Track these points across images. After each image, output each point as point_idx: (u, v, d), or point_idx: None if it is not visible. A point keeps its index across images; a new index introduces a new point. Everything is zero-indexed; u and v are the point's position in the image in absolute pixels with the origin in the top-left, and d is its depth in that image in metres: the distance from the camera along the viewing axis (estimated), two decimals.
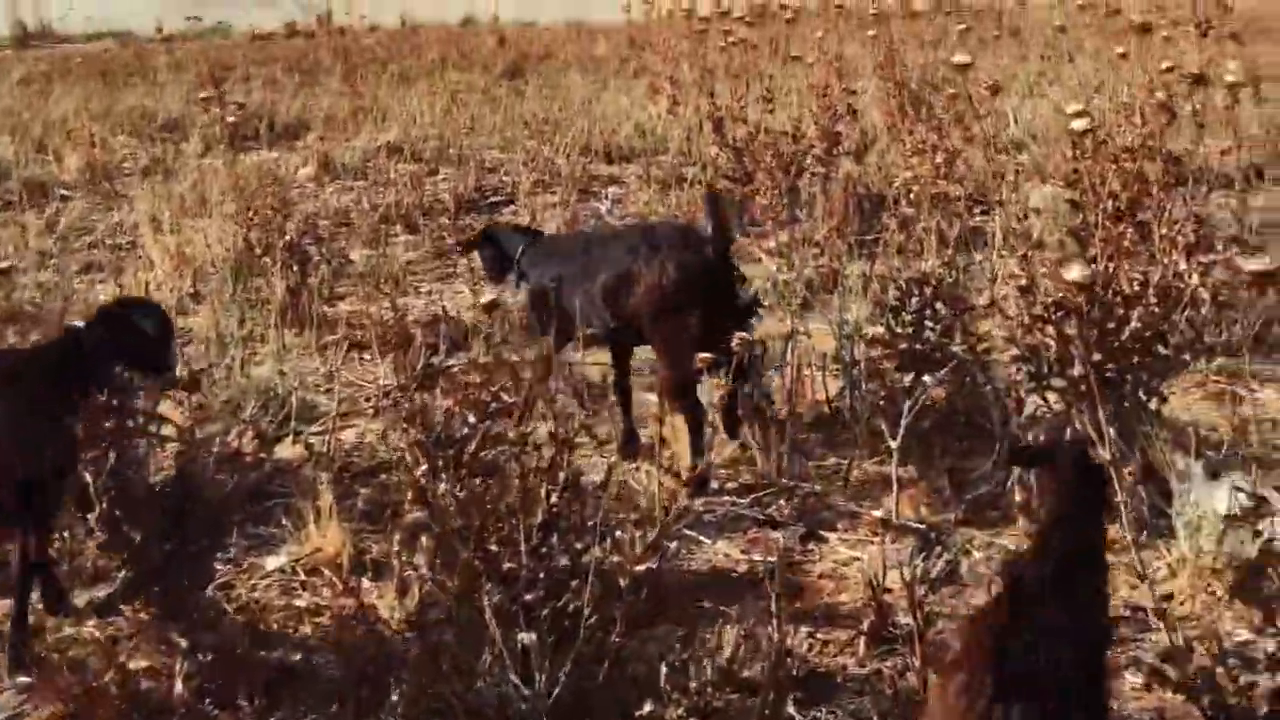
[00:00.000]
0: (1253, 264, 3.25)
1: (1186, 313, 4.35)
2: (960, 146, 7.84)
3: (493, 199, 9.55)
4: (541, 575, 3.04)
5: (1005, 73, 14.85)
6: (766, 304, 6.66)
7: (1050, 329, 4.12)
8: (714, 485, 4.55)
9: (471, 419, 3.69)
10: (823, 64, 10.02)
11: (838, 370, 5.21)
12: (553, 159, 10.38)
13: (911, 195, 7.66)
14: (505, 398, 3.76)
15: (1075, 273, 3.72)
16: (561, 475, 3.14)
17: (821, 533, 4.21)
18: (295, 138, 12.33)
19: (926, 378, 4.56)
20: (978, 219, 7.84)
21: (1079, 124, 3.88)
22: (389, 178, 9.96)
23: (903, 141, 7.87)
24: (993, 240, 7.19)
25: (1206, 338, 4.22)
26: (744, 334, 4.98)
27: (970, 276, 6.37)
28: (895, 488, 4.25)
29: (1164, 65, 5.46)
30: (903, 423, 4.28)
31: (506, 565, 3.05)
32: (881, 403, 4.61)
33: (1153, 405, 4.20)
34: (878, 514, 4.17)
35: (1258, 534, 3.59)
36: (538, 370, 4.85)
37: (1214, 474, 4.07)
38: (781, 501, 4.41)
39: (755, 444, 4.66)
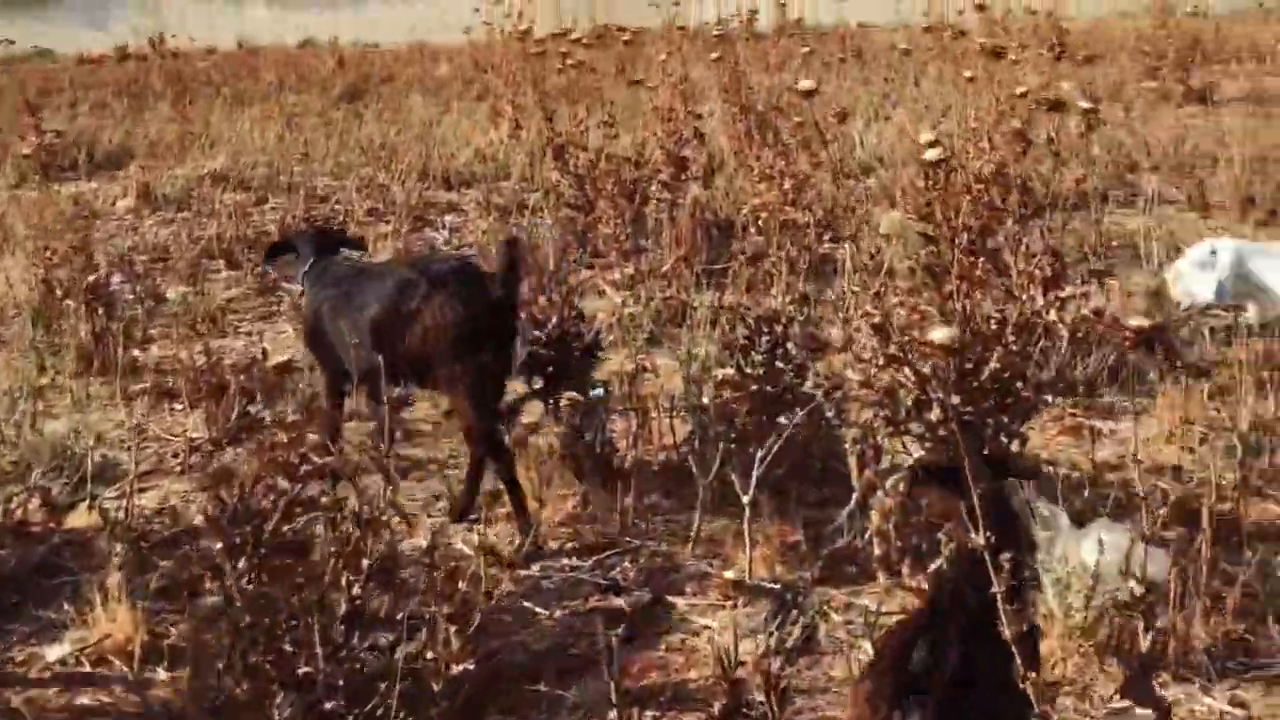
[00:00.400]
0: (1135, 321, 3.00)
1: (1044, 348, 4.16)
2: (809, 172, 7.62)
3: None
4: (342, 681, 2.64)
5: (850, 95, 14.83)
6: (611, 339, 6.40)
7: (907, 370, 3.85)
8: (552, 546, 4.19)
9: (280, 483, 3.29)
10: (667, 86, 9.75)
11: (686, 413, 4.88)
12: (388, 186, 9.94)
13: (760, 222, 7.41)
14: (317, 459, 3.37)
15: (940, 335, 3.43)
16: (365, 562, 2.74)
17: (669, 598, 3.86)
18: (117, 167, 11.67)
19: (781, 419, 4.28)
20: (828, 246, 7.61)
21: (932, 154, 3.62)
22: (213, 208, 9.41)
23: (750, 167, 7.61)
24: (843, 269, 6.97)
25: (1066, 375, 3.99)
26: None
27: (822, 312, 6.13)
28: (748, 545, 3.93)
29: (1019, 90, 5.27)
30: (755, 473, 3.98)
31: (303, 669, 2.65)
32: (733, 449, 4.31)
33: (1014, 447, 3.95)
34: (730, 575, 3.85)
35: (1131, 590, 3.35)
36: (323, 426, 4.47)
37: (1080, 523, 3.85)
38: (626, 563, 4.05)
39: (596, 498, 4.31)
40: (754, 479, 3.93)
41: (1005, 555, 2.61)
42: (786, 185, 7.40)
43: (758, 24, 21.90)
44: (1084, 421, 4.91)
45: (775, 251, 7.28)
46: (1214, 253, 4.68)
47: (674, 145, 8.60)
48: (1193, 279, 4.73)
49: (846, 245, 7.12)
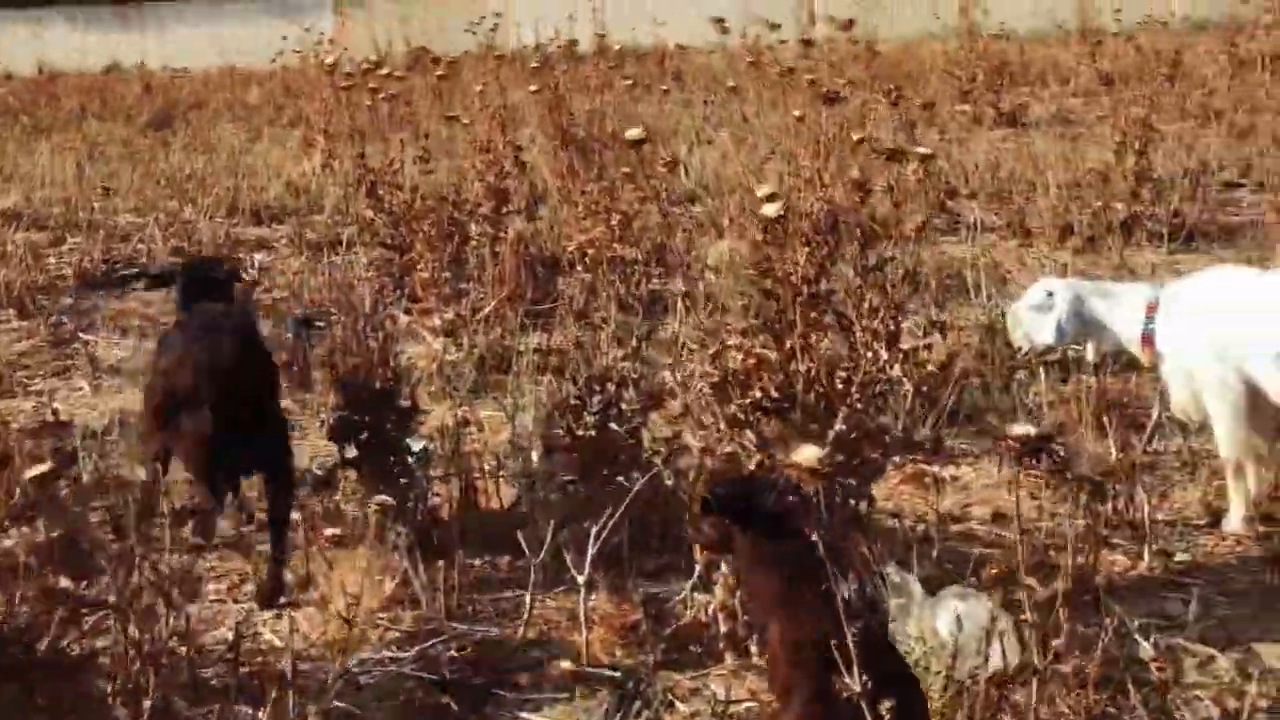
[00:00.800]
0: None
1: (887, 402, 3.99)
2: (636, 206, 7.40)
3: (124, 272, 8.52)
4: None
5: (670, 118, 14.74)
6: (431, 389, 6.07)
7: (749, 433, 3.63)
8: (370, 636, 3.84)
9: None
10: (485, 117, 9.45)
11: (514, 477, 4.59)
12: (194, 221, 9.44)
13: (587, 260, 7.17)
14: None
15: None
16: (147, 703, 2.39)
17: (500, 691, 3.55)
18: None
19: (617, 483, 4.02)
20: (657, 283, 7.41)
21: (770, 209, 3.40)
22: (3, 250, 8.79)
23: (575, 203, 7.36)
24: (674, 307, 6.76)
25: (912, 431, 3.82)
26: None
27: (657, 353, 5.91)
28: (584, 628, 3.65)
29: (856, 137, 5.12)
30: (591, 548, 3.70)
31: None
32: (565, 519, 4.03)
33: (862, 509, 3.77)
34: (566, 664, 3.57)
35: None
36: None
37: (932, 590, 3.66)
38: (452, 652, 3.73)
39: (418, 577, 3.98)
40: (589, 556, 3.66)
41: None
42: (614, 221, 7.18)
43: (577, 47, 21.77)
44: (925, 468, 4.75)
45: (604, 289, 7.09)
46: (1050, 295, 4.57)
47: (494, 178, 8.30)
48: (1031, 322, 4.62)
49: (678, 282, 6.94)
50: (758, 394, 3.61)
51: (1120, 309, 4.49)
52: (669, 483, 3.77)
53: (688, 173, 11.11)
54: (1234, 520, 4.29)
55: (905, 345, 3.77)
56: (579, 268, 7.25)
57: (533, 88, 10.06)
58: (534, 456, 4.39)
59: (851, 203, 3.61)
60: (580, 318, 6.89)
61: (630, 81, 13.03)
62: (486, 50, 19.26)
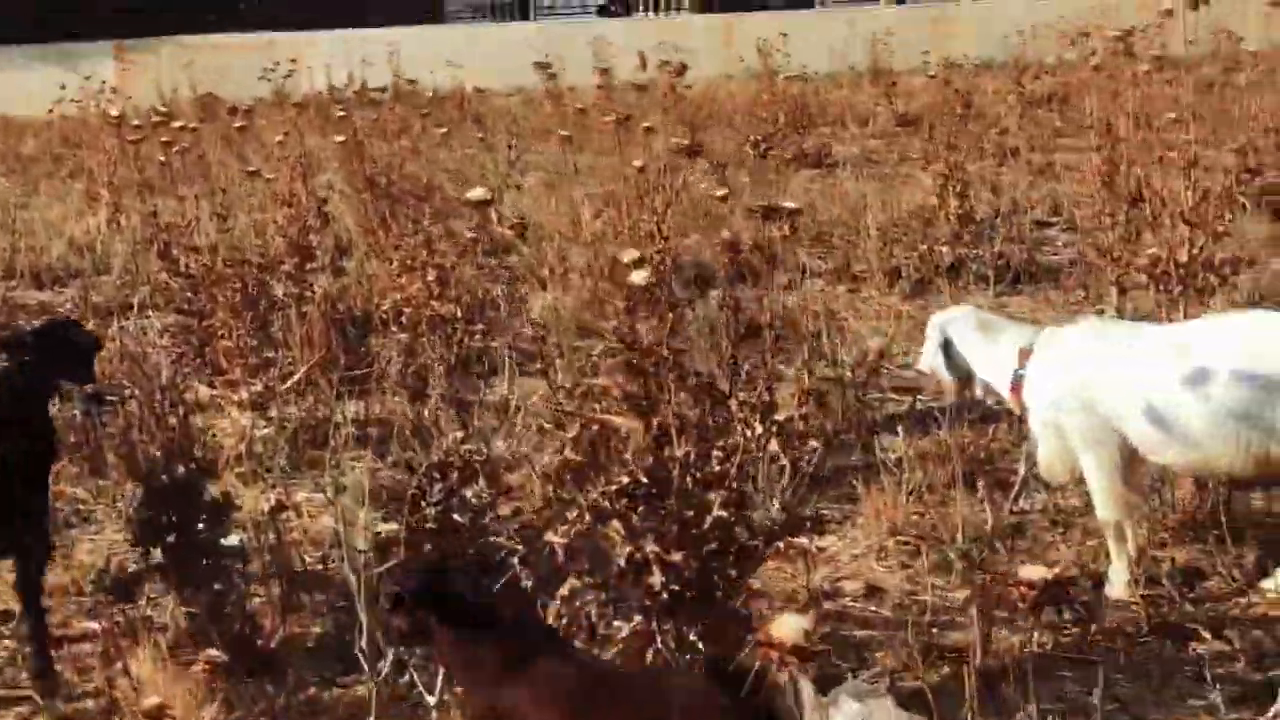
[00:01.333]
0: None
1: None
2: (453, 260, 6.97)
3: None
4: None
5: (474, 162, 14.35)
6: (241, 470, 5.54)
7: (616, 523, 3.25)
8: None
9: None
10: (286, 168, 8.92)
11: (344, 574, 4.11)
12: None
13: (403, 318, 6.71)
14: None
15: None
16: None
17: None
18: None
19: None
20: (479, 340, 6.98)
21: (639, 277, 3.04)
22: None
23: (389, 259, 6.90)
24: (504, 368, 6.36)
25: (793, 511, 3.50)
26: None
27: (485, 420, 5.51)
28: None
29: (719, 193, 4.82)
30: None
31: None
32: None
33: (740, 603, 3.42)
34: None
35: None
36: None
37: (824, 689, 3.33)
38: None
39: (240, 700, 3.48)
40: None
41: None
42: (430, 276, 6.74)
43: (374, 92, 21.20)
44: (793, 541, 4.44)
45: (423, 350, 6.64)
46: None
47: (297, 232, 7.79)
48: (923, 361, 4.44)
49: (503, 340, 6.55)
50: (625, 479, 3.23)
51: (994, 350, 4.30)
52: (527, 584, 3.35)
53: (500, 219, 10.70)
54: (1117, 584, 4.08)
55: (780, 415, 3.44)
56: (394, 327, 6.78)
57: (339, 138, 9.51)
58: (364, 548, 3.92)
59: (721, 264, 3.26)
60: (400, 384, 6.44)
61: (444, 130, 12.55)
62: (278, 96, 18.60)
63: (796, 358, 5.43)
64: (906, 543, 4.49)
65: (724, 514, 3.22)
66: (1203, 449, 3.86)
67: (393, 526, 3.79)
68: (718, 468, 3.22)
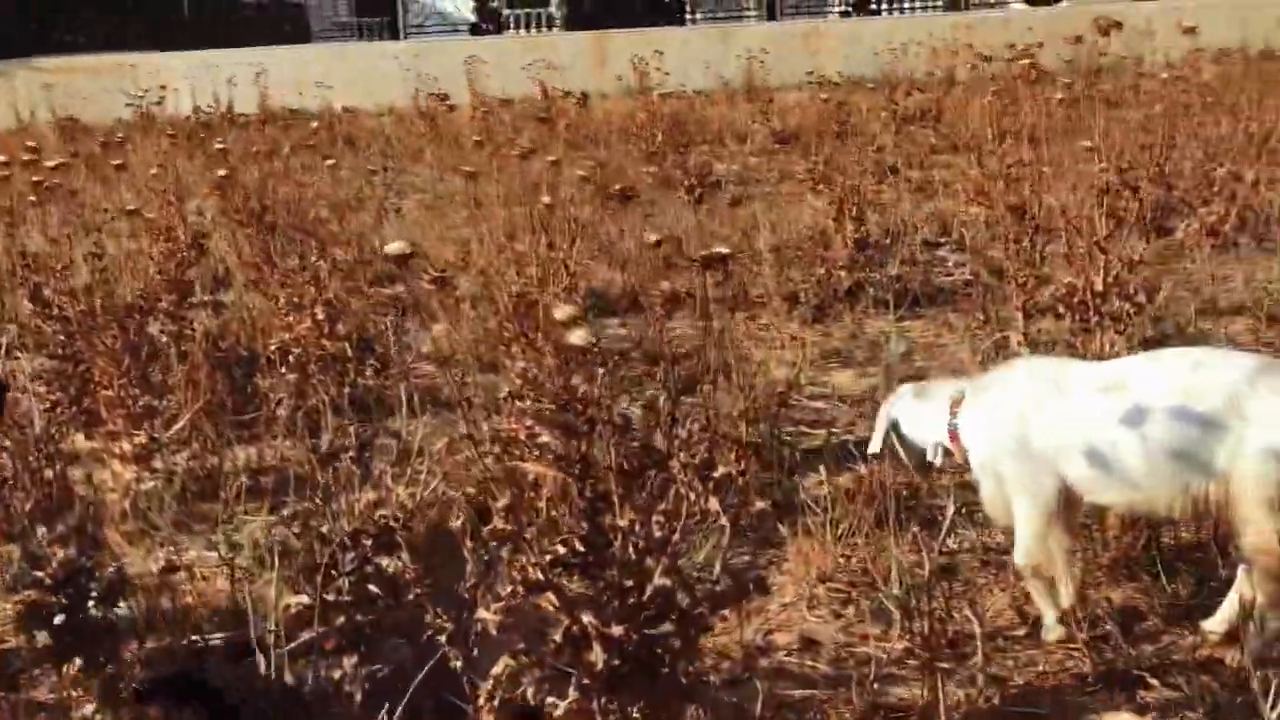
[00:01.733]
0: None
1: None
2: (343, 297, 6.71)
3: None
4: None
5: (349, 186, 14.03)
6: (126, 528, 5.22)
7: (551, 595, 3.04)
8: None
9: None
10: (158, 198, 8.54)
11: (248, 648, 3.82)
12: None
13: (291, 358, 6.41)
14: None
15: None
16: None
17: None
18: None
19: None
20: (370, 378, 6.70)
21: (577, 337, 2.83)
22: None
23: (269, 294, 6.59)
24: (402, 409, 6.09)
25: (740, 577, 3.31)
26: None
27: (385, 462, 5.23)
28: None
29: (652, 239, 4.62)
30: None
31: None
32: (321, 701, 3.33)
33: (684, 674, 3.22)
34: None
35: None
36: None
37: None
38: None
39: None
40: None
41: None
42: (320, 315, 6.46)
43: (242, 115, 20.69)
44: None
45: (314, 391, 6.35)
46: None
47: (175, 268, 7.44)
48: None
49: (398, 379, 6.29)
50: (560, 549, 3.02)
51: (929, 410, 4.24)
52: (456, 664, 3.12)
53: (380, 247, 10.39)
54: (1051, 627, 3.98)
55: (717, 472, 3.25)
56: (282, 368, 6.48)
57: (221, 172, 9.14)
58: (271, 626, 3.65)
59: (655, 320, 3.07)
60: (291, 428, 6.14)
61: (331, 162, 12.20)
62: (143, 119, 18.02)
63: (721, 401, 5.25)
64: (838, 589, 4.33)
65: (666, 582, 3.02)
66: (1142, 489, 3.77)
67: (302, 599, 3.50)
68: (659, 533, 3.02)
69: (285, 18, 31.78)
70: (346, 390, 6.46)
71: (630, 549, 2.96)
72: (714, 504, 3.17)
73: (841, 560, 4.51)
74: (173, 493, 5.36)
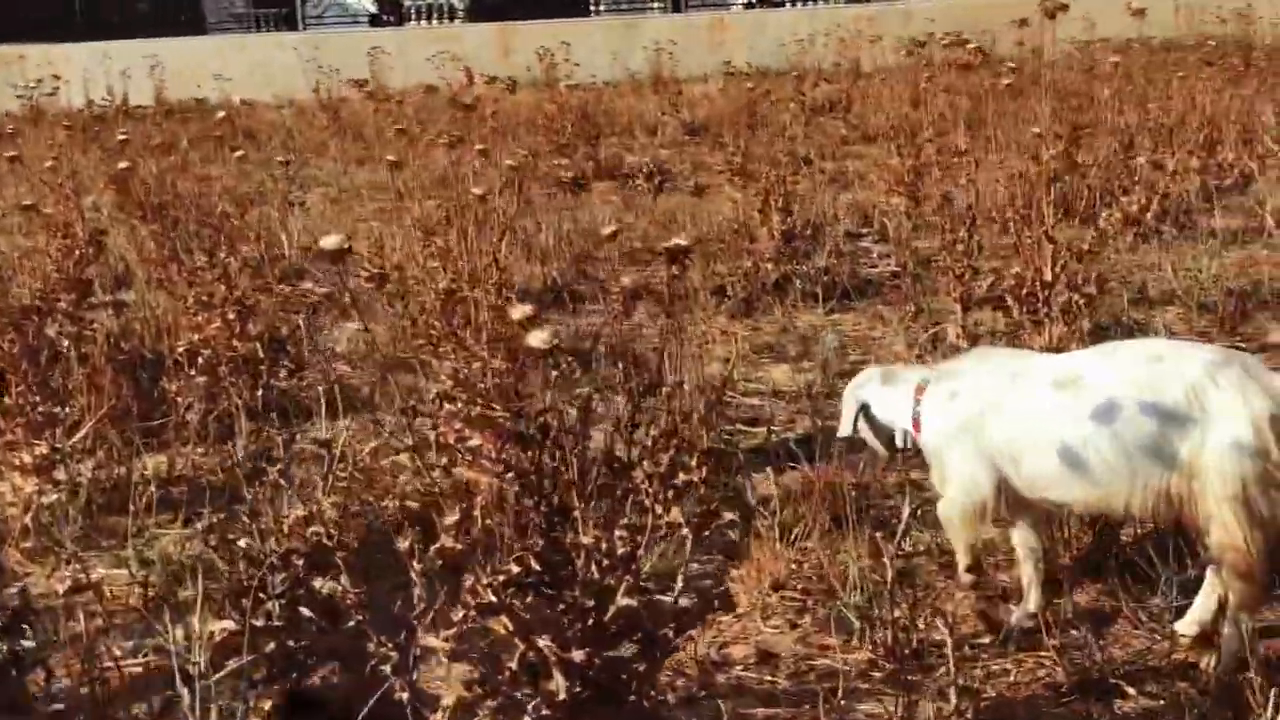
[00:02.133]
0: None
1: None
2: (254, 296, 6.38)
3: None
4: None
5: (251, 180, 13.64)
6: (29, 545, 4.88)
7: (505, 618, 2.80)
8: None
9: None
10: (53, 192, 8.13)
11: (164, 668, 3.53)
12: None
13: (200, 360, 6.08)
14: None
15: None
16: None
17: None
18: None
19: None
20: (285, 380, 6.39)
21: (537, 339, 2.60)
22: None
23: (176, 293, 6.25)
24: (318, 411, 5.81)
25: (708, 594, 3.09)
26: None
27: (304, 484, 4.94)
28: None
29: (606, 231, 4.37)
30: None
31: None
32: None
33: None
34: None
35: None
36: None
37: None
38: None
39: None
40: None
41: None
42: (231, 315, 6.14)
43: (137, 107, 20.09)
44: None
45: (225, 395, 6.04)
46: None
47: (73, 266, 7.07)
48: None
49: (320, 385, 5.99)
50: (514, 568, 2.79)
51: (896, 395, 4.13)
52: (403, 697, 2.86)
53: (289, 243, 10.05)
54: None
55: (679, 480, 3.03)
56: (191, 370, 6.13)
57: (122, 164, 8.73)
58: (197, 654, 3.36)
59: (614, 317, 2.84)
60: (202, 433, 5.83)
61: (240, 153, 11.80)
62: (34, 112, 17.40)
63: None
64: (792, 597, 4.14)
65: (630, 601, 2.80)
66: (1100, 487, 3.63)
67: (228, 624, 3.22)
68: (622, 549, 2.80)
69: (180, 8, 31.00)
70: (260, 393, 6.15)
71: (593, 567, 2.73)
72: (677, 515, 2.95)
73: (794, 566, 4.32)
74: (78, 506, 5.01)
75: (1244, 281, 7.31)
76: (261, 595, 3.22)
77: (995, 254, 7.96)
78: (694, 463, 2.99)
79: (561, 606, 2.77)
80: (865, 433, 4.25)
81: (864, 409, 4.20)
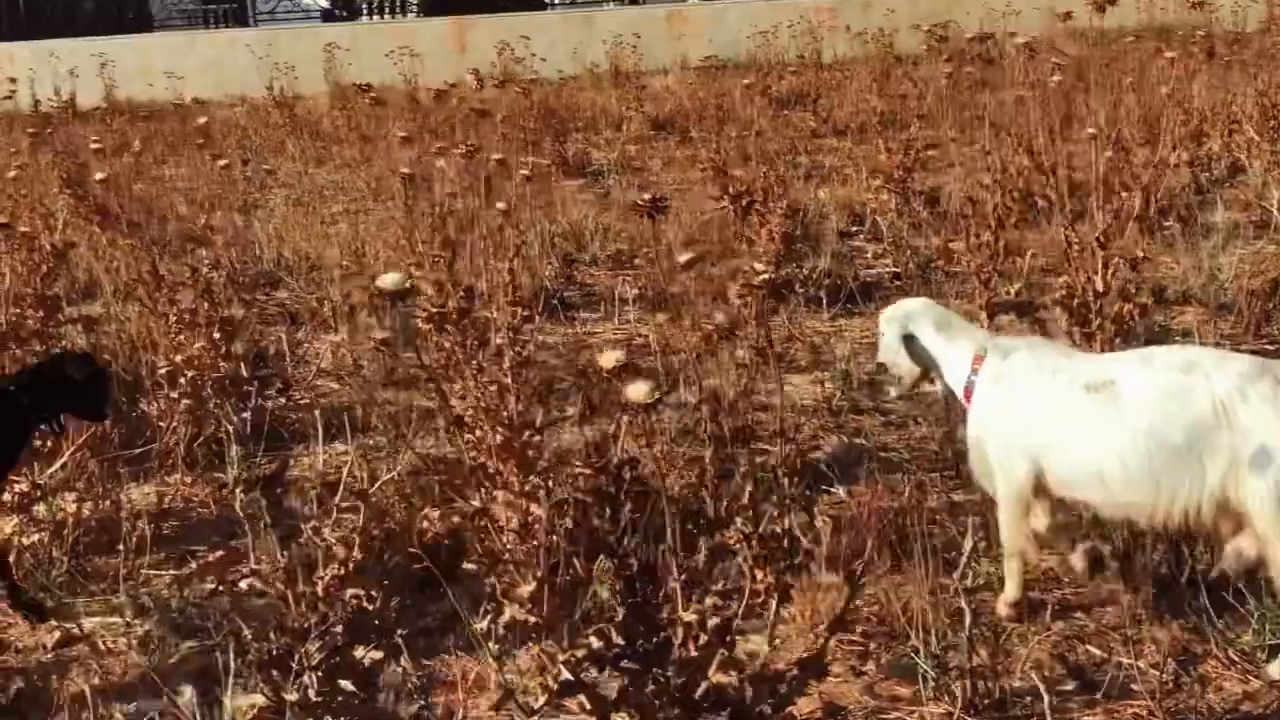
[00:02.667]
0: None
1: None
2: (240, 312, 6.03)
3: None
4: None
5: (209, 181, 13.21)
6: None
7: (582, 698, 2.49)
8: None
9: None
10: (23, 204, 7.74)
11: None
12: None
13: (183, 381, 5.71)
14: None
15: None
16: None
17: None
18: None
19: None
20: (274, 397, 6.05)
21: (638, 392, 2.28)
22: None
23: (165, 316, 5.88)
24: (312, 435, 5.48)
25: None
26: None
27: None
28: None
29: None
30: None
31: None
32: None
33: None
34: None
35: None
36: None
37: None
38: None
39: None
40: None
41: None
42: (216, 334, 5.78)
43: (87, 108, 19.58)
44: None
45: (211, 418, 5.68)
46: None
47: (40, 281, 6.66)
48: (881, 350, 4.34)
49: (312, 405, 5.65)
50: (594, 640, 2.48)
51: (953, 351, 4.05)
52: None
53: (261, 248, 9.66)
54: (1003, 604, 3.92)
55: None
56: (173, 393, 5.76)
57: (99, 176, 8.32)
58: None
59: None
60: (189, 463, 5.47)
61: (221, 157, 11.38)
62: None
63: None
64: (853, 641, 3.85)
65: (727, 679, 2.49)
66: (1127, 494, 3.54)
67: (257, 699, 2.89)
68: (713, 619, 2.49)
69: (125, 5, 30.30)
70: (248, 415, 5.79)
71: (689, 643, 2.42)
72: (769, 579, 2.66)
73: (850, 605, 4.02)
74: (62, 547, 4.64)
75: (1261, 280, 7.08)
76: (291, 665, 2.88)
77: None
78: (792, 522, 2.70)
79: (650, 686, 2.46)
80: (898, 356, 4.18)
81: (909, 339, 4.13)
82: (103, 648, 4.10)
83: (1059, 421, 3.68)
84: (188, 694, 3.20)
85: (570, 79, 21.18)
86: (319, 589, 2.89)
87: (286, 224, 10.52)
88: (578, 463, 2.38)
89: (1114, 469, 3.54)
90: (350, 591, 2.88)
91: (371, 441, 5.69)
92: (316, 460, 5.35)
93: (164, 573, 4.59)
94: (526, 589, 2.43)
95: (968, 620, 3.43)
